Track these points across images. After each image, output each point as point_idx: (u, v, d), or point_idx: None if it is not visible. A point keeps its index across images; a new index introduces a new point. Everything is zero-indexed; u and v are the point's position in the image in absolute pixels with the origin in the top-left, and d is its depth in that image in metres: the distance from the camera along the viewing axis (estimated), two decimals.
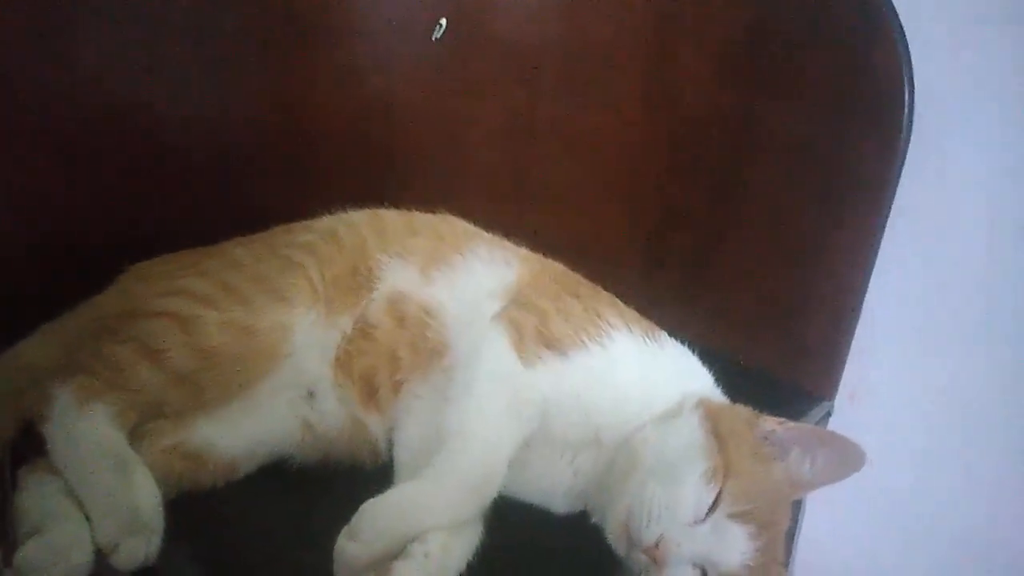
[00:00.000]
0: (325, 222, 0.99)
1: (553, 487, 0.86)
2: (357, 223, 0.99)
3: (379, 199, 1.02)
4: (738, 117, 1.21)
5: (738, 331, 1.22)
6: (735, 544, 0.75)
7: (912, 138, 1.06)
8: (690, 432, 0.80)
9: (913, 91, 1.05)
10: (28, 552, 0.70)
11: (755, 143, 1.21)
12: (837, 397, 1.17)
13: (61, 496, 0.74)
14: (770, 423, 0.82)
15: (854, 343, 1.15)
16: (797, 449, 0.80)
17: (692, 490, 0.75)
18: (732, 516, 0.75)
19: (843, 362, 1.15)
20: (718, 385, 0.92)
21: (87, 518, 0.73)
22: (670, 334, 0.93)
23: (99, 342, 0.83)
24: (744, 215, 1.23)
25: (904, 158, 1.07)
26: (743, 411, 0.85)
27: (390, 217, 1.00)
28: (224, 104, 1.13)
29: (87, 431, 0.77)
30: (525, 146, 1.34)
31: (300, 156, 1.20)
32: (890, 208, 1.09)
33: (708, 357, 0.94)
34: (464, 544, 0.77)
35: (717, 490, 0.75)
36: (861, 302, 1.12)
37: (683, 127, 1.26)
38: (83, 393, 0.78)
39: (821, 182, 1.14)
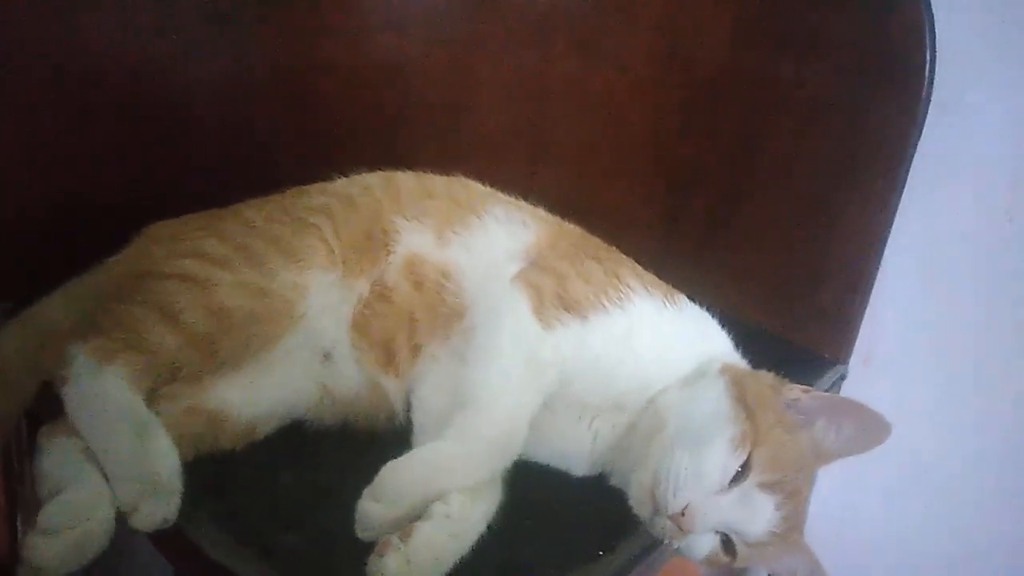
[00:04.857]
0: (339, 185, 0.98)
1: (572, 450, 0.86)
2: (371, 186, 0.97)
3: (391, 160, 1.01)
4: (755, 76, 1.20)
5: (752, 294, 1.22)
6: (761, 513, 0.75)
7: (932, 99, 1.05)
8: (716, 398, 0.79)
9: (935, 52, 1.03)
10: (49, 512, 0.69)
11: (772, 103, 1.19)
12: (851, 360, 1.17)
13: (81, 457, 0.74)
14: (795, 391, 0.81)
15: (868, 306, 1.14)
16: (823, 419, 0.80)
17: (719, 457, 0.75)
18: (761, 485, 0.75)
19: (858, 325, 1.15)
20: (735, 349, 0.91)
21: (107, 479, 0.73)
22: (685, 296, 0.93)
23: (115, 303, 0.82)
24: (760, 176, 1.22)
25: (924, 120, 1.06)
26: (768, 377, 0.84)
27: (404, 180, 0.99)
28: (234, 65, 1.11)
29: (105, 392, 0.76)
30: (538, 106, 1.32)
31: (310, 117, 1.19)
32: (908, 170, 1.08)
33: (722, 320, 0.93)
34: (485, 505, 0.76)
35: (744, 457, 0.75)
36: (877, 265, 1.12)
37: (698, 86, 1.25)
38: (100, 354, 0.78)
39: (839, 143, 1.13)
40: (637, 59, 1.26)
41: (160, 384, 0.82)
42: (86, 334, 0.79)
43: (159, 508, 0.73)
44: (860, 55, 1.10)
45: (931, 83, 1.04)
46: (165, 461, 0.75)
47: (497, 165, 1.03)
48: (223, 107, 1.11)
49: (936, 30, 1.02)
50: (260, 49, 1.12)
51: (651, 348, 0.85)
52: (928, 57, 1.03)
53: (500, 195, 0.99)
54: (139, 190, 1.04)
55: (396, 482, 0.72)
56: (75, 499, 0.71)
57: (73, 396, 0.76)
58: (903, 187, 1.08)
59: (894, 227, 1.10)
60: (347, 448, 0.88)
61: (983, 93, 1.08)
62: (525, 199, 1.01)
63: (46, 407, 0.79)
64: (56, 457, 0.75)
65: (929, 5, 1.02)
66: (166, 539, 0.75)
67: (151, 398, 0.80)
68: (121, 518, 0.72)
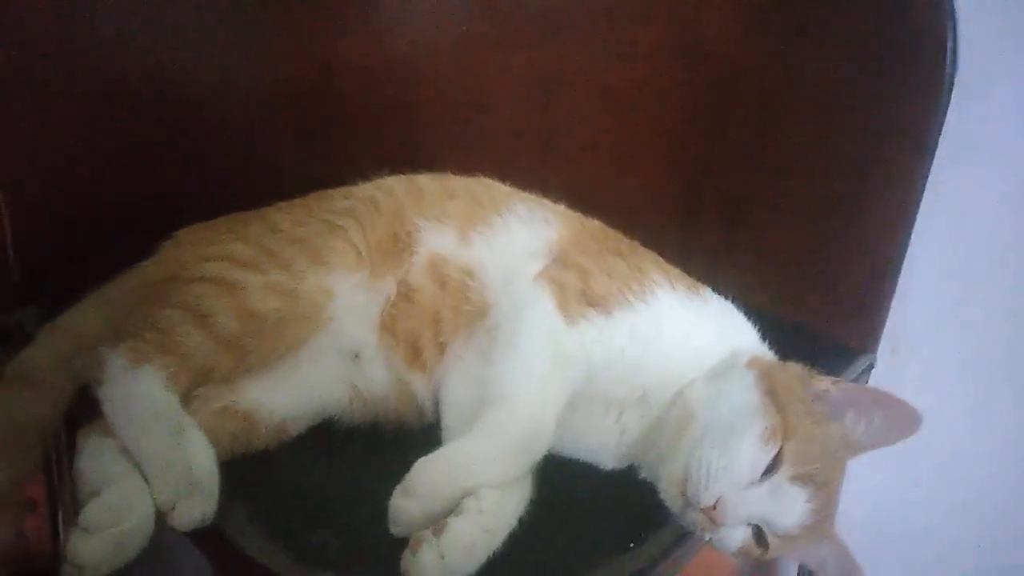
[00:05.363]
0: (363, 188, 0.99)
1: (600, 444, 0.87)
2: (394, 188, 0.98)
3: (403, 159, 1.01)
4: (770, 67, 1.19)
5: (776, 284, 1.21)
6: (793, 506, 0.75)
7: (955, 84, 1.03)
8: (745, 391, 0.79)
9: (956, 38, 1.02)
10: (90, 513, 0.71)
11: (790, 93, 1.19)
12: (879, 350, 1.16)
13: (119, 457, 0.76)
14: (824, 382, 0.81)
15: (896, 295, 1.13)
16: (852, 411, 0.79)
17: (750, 451, 0.75)
18: (792, 478, 0.74)
19: (885, 315, 1.14)
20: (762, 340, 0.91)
21: (145, 479, 0.74)
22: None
23: (147, 308, 0.84)
24: (780, 166, 1.21)
25: (947, 108, 1.04)
26: (797, 369, 0.84)
27: (426, 181, 1.00)
28: (250, 66, 1.12)
29: (141, 393, 0.78)
30: (553, 102, 1.32)
31: (321, 116, 1.19)
32: (933, 157, 1.07)
33: (747, 312, 0.93)
34: (516, 500, 0.77)
35: (775, 451, 0.74)
36: (903, 253, 1.11)
37: (712, 79, 1.24)
38: (135, 357, 0.79)
39: (861, 133, 1.12)
40: (650, 52, 1.25)
41: (193, 386, 0.83)
42: (119, 338, 0.81)
43: (197, 507, 0.74)
44: (881, 44, 1.09)
45: (954, 68, 1.03)
46: (202, 461, 0.76)
47: (510, 161, 1.04)
48: (234, 108, 1.12)
49: (957, 16, 1.01)
50: (274, 50, 1.13)
51: (677, 341, 0.85)
52: (950, 44, 1.02)
53: (521, 193, 1.00)
54: (155, 192, 1.05)
55: (427, 479, 0.73)
56: (115, 499, 0.72)
57: (109, 398, 0.78)
58: (928, 174, 1.07)
59: (920, 213, 1.09)
60: (377, 446, 0.88)
61: (1007, 78, 1.06)
62: (541, 195, 1.01)
63: (84, 410, 0.80)
64: (95, 458, 0.76)
65: None
66: (204, 537, 0.77)
67: (185, 400, 0.82)
68: (160, 517, 0.73)
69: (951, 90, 1.03)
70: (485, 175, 1.02)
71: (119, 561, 0.70)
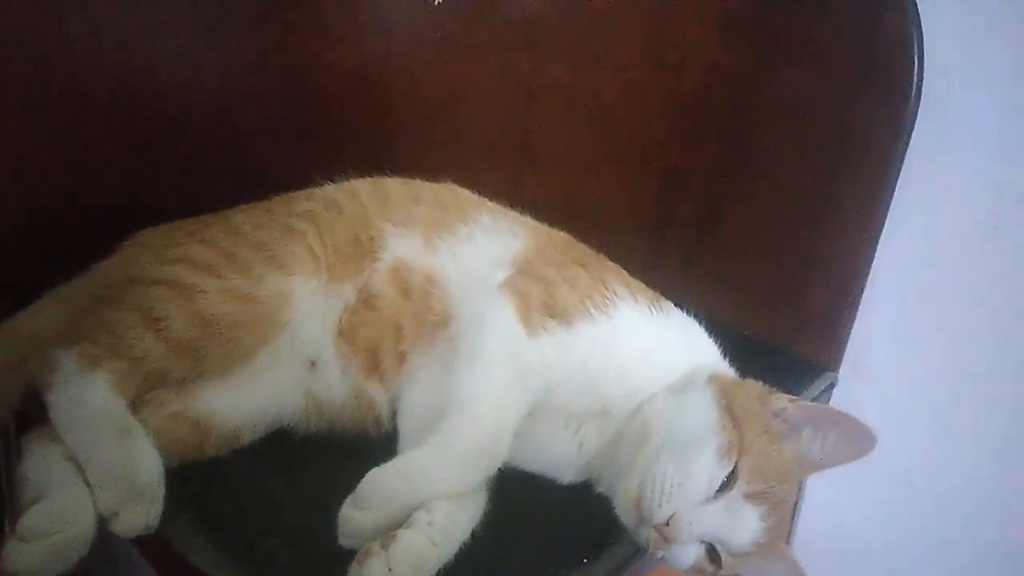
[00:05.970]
0: (327, 190, 0.98)
1: (558, 458, 0.86)
2: (359, 191, 0.97)
3: (382, 163, 1.01)
4: (743, 81, 1.19)
5: (741, 300, 1.22)
6: (746, 523, 0.74)
7: (920, 104, 1.04)
8: (704, 408, 0.79)
9: (923, 56, 1.03)
10: (30, 518, 0.69)
11: (760, 108, 1.19)
12: (841, 368, 1.17)
13: (64, 463, 0.74)
14: (782, 401, 0.81)
15: (859, 313, 1.14)
16: (809, 429, 0.79)
17: (705, 467, 0.74)
18: (746, 496, 0.74)
19: (848, 332, 1.15)
20: (724, 356, 0.91)
21: (89, 485, 0.73)
22: (673, 303, 0.92)
23: (101, 310, 0.83)
24: (748, 182, 1.22)
25: (912, 125, 1.05)
26: (755, 387, 0.84)
27: (393, 185, 0.99)
28: (224, 69, 1.11)
29: (89, 398, 0.76)
30: (527, 111, 1.32)
31: (300, 122, 1.19)
32: (897, 175, 1.07)
33: (711, 326, 0.93)
34: (468, 513, 0.76)
35: (730, 468, 0.74)
36: (867, 272, 1.11)
37: (686, 92, 1.25)
38: (86, 360, 0.78)
39: (827, 148, 1.13)
40: (626, 63, 1.26)
41: (145, 390, 0.82)
42: (72, 340, 0.80)
43: (140, 514, 0.73)
44: (848, 60, 1.09)
45: (920, 88, 1.03)
46: (147, 467, 0.75)
47: (486, 169, 1.04)
48: (212, 111, 1.11)
49: (924, 36, 1.02)
50: (249, 53, 1.12)
51: (637, 355, 0.84)
52: (916, 62, 1.03)
53: (488, 203, 0.99)
54: (131, 194, 1.04)
55: (378, 490, 0.72)
56: (56, 506, 0.71)
57: (57, 402, 0.77)
58: (892, 193, 1.08)
59: (883, 232, 1.10)
60: (333, 455, 0.87)
61: (970, 98, 1.07)
62: (513, 204, 1.00)
63: (38, 411, 0.78)
64: (39, 463, 0.75)
65: (917, 9, 1.02)
66: (149, 545, 0.75)
67: (136, 404, 0.80)
68: (103, 525, 0.72)
69: (916, 109, 1.04)
70: (460, 180, 1.01)
71: (57, 569, 0.69)
